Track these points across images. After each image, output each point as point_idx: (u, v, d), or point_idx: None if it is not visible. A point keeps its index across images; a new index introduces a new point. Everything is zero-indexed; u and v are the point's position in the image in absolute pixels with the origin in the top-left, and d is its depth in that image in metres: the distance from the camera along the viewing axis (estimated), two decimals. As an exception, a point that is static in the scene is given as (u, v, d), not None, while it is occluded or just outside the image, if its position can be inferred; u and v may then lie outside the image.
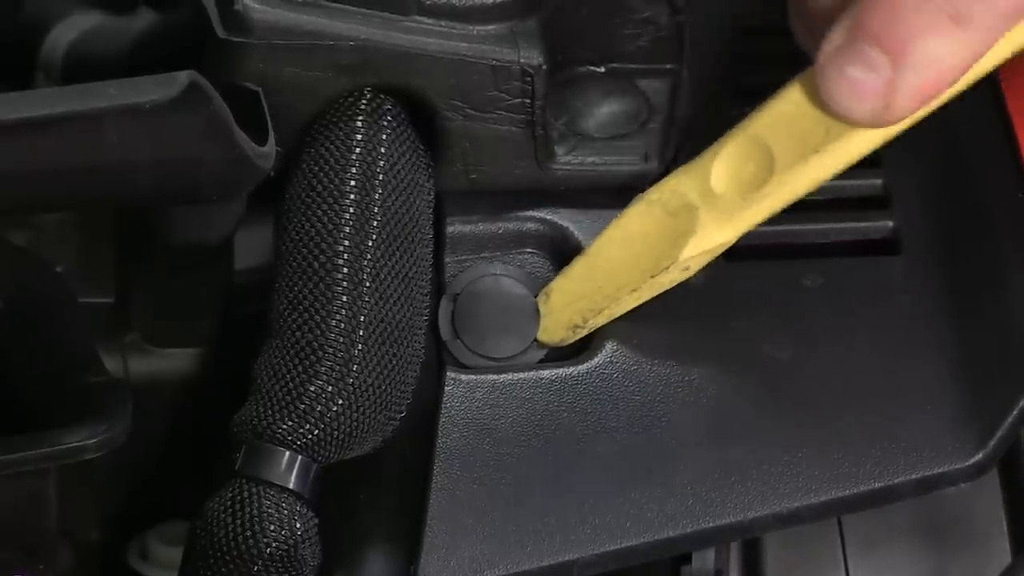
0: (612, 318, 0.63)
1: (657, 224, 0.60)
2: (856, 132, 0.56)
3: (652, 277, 0.61)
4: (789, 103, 0.57)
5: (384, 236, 0.60)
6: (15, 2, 0.69)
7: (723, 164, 0.59)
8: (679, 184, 0.60)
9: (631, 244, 0.61)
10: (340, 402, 0.59)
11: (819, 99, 0.55)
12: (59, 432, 0.62)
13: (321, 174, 0.61)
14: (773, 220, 0.67)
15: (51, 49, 0.67)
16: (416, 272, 0.62)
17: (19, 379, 0.68)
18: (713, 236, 0.59)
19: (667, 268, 0.60)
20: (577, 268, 0.63)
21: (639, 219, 0.61)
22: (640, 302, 0.62)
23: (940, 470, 0.63)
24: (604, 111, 0.65)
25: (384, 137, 0.61)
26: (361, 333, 0.59)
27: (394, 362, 0.60)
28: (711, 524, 0.62)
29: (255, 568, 0.58)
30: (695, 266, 0.61)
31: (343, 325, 0.59)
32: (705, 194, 0.59)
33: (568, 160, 0.64)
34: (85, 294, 0.73)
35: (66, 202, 0.61)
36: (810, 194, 0.68)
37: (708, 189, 0.59)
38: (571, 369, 0.64)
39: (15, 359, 0.69)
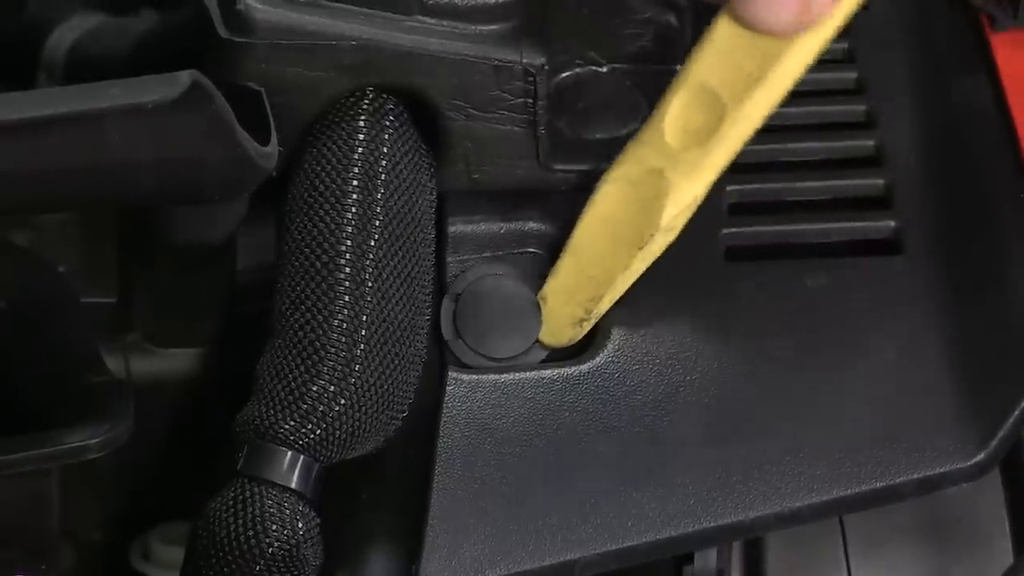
0: (613, 302, 0.63)
1: (628, 198, 0.60)
2: (790, 49, 0.56)
3: (640, 250, 0.61)
4: (718, 40, 0.56)
5: (386, 236, 0.60)
6: (18, 2, 0.69)
7: (673, 119, 0.58)
8: (637, 153, 0.60)
9: (609, 226, 0.61)
10: (342, 402, 0.59)
11: (744, 24, 0.55)
12: (61, 432, 0.63)
13: (323, 174, 0.61)
14: (774, 220, 0.67)
15: (53, 49, 0.67)
16: (418, 272, 0.62)
17: (21, 379, 0.68)
18: (686, 192, 0.59)
19: (652, 236, 0.60)
20: (564, 265, 0.63)
21: (609, 200, 0.61)
22: (637, 276, 0.62)
23: (942, 470, 0.63)
24: (606, 111, 0.65)
25: (386, 137, 0.61)
26: (363, 333, 0.59)
27: (396, 362, 0.60)
28: (712, 524, 0.62)
29: (257, 568, 0.58)
30: (679, 224, 0.60)
31: (345, 325, 0.59)
32: (665, 154, 0.59)
33: (570, 160, 0.64)
34: (87, 294, 0.73)
35: (68, 202, 0.61)
36: (812, 194, 0.69)
37: (666, 148, 0.59)
38: (572, 369, 0.64)
39: (17, 359, 0.69)
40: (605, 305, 0.63)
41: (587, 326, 0.64)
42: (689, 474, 0.62)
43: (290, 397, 0.59)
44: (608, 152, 0.64)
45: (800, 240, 0.67)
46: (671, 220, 0.60)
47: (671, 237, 0.61)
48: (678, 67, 0.64)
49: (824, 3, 0.54)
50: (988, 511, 0.70)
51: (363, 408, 0.59)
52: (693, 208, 0.60)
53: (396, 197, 0.61)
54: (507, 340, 0.64)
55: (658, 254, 0.62)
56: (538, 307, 0.64)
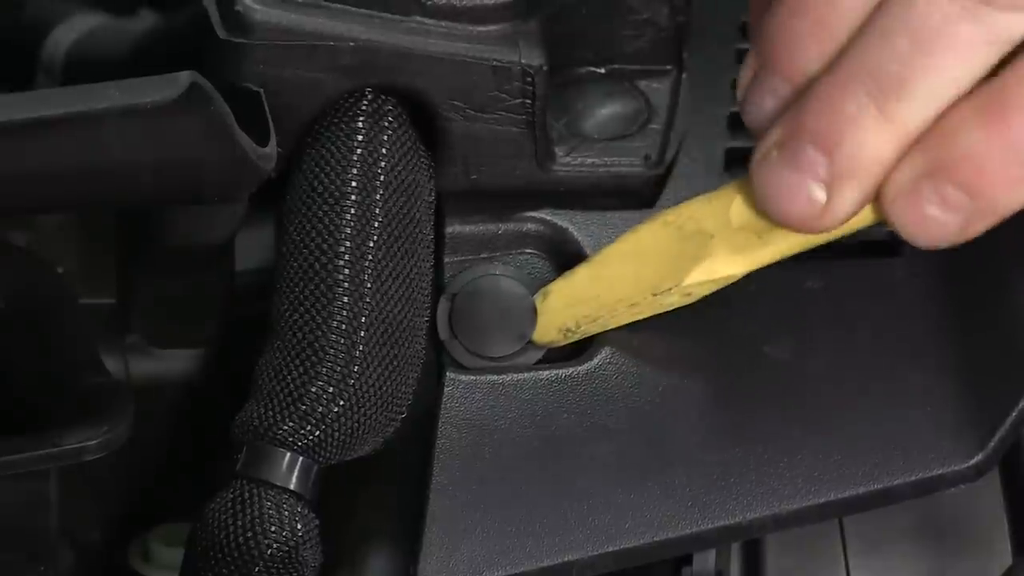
0: (605, 329, 0.63)
1: (669, 245, 0.60)
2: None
3: (653, 296, 0.61)
4: None
5: (385, 237, 0.60)
6: (16, 3, 0.69)
7: (744, 198, 0.58)
8: (698, 210, 0.60)
9: (639, 259, 0.61)
10: (341, 403, 0.59)
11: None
12: (60, 433, 0.63)
13: (322, 175, 0.61)
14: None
15: (52, 50, 0.68)
16: (417, 273, 0.62)
17: (20, 380, 0.68)
18: (721, 267, 0.59)
19: (669, 289, 0.60)
20: (580, 273, 0.63)
21: (652, 236, 0.61)
22: (636, 318, 0.62)
23: (940, 471, 0.63)
24: (604, 112, 0.65)
25: (385, 138, 0.61)
26: (362, 334, 0.59)
27: (395, 363, 0.60)
28: (710, 525, 0.62)
29: (256, 569, 0.58)
30: (698, 293, 0.60)
31: (344, 326, 0.59)
32: (722, 225, 0.59)
33: (568, 161, 0.64)
34: (86, 295, 0.73)
35: (67, 203, 0.61)
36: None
37: (726, 220, 0.59)
38: (570, 370, 0.63)
39: (16, 359, 0.69)
40: (595, 328, 0.63)
41: (571, 338, 0.64)
42: (687, 475, 0.62)
43: (289, 398, 0.59)
44: (607, 154, 0.64)
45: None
46: (694, 284, 0.60)
47: (685, 301, 0.61)
48: (676, 68, 0.64)
49: (842, 210, 0.54)
50: (987, 512, 0.70)
51: (362, 409, 0.59)
52: (717, 287, 0.60)
53: (395, 198, 0.61)
54: (501, 340, 0.64)
55: (666, 309, 0.62)
56: (534, 308, 0.64)
